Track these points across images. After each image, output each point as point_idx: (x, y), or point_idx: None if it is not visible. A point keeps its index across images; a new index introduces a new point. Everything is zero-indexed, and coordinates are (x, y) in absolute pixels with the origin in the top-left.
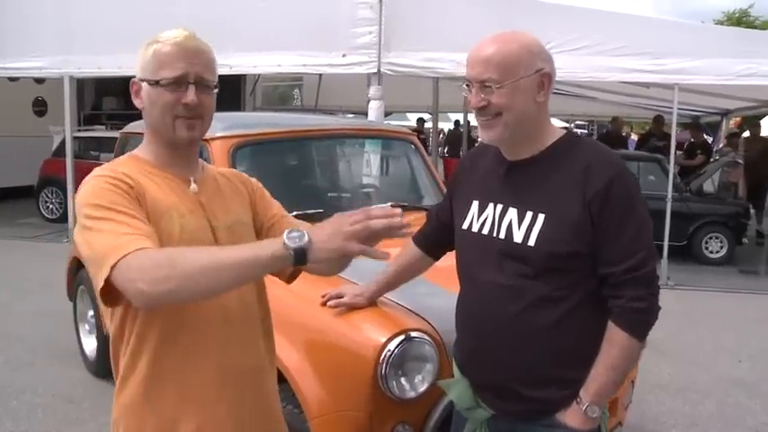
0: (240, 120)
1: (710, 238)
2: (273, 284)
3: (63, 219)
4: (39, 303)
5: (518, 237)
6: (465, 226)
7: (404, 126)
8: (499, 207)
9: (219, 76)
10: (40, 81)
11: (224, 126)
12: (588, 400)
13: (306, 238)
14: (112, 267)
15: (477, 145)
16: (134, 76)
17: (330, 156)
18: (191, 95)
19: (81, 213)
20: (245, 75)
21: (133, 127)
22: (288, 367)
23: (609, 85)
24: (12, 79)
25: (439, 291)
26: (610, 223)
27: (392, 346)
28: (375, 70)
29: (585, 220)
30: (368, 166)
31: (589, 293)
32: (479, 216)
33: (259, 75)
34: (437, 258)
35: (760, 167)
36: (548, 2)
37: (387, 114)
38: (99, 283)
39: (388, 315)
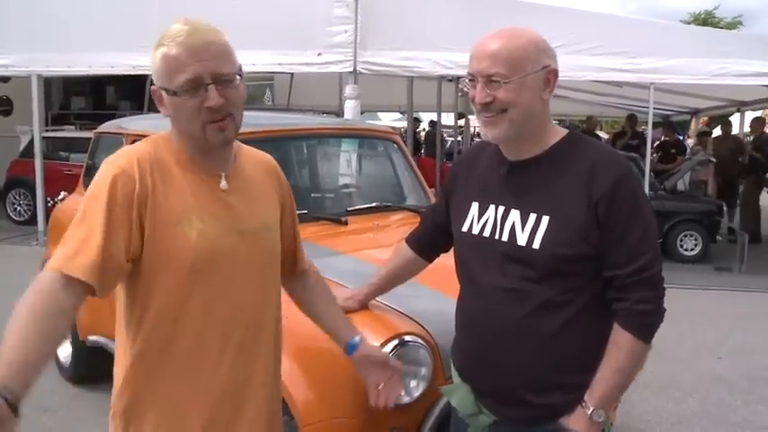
0: None
1: (685, 236)
2: None
3: (32, 221)
4: (7, 308)
5: (522, 239)
6: (465, 228)
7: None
8: (501, 209)
9: None
10: (5, 80)
11: None
12: (594, 405)
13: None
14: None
15: (473, 144)
16: (104, 75)
17: (312, 156)
18: (213, 98)
19: (87, 190)
20: None
21: (107, 127)
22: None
23: (582, 85)
24: None
25: (432, 293)
26: (617, 225)
27: (386, 350)
28: (351, 69)
29: (591, 221)
30: (349, 166)
31: (594, 297)
32: (480, 218)
33: None
34: (431, 260)
35: (730, 166)
36: (523, 1)
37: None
38: (47, 265)
39: (381, 319)
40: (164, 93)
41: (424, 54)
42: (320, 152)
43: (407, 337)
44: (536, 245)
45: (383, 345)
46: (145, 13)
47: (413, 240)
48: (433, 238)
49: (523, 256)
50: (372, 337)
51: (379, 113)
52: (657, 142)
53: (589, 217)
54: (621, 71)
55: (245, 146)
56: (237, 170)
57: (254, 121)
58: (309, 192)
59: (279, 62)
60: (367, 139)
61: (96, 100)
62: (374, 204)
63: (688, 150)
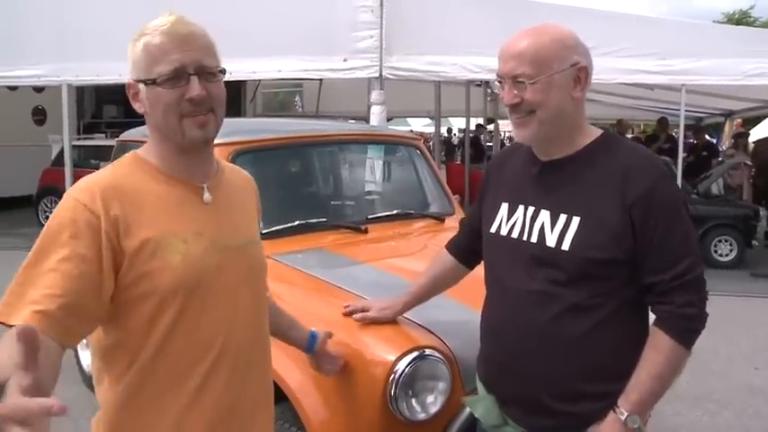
0: (240, 126)
1: (720, 241)
2: (277, 298)
3: None
4: None
5: (551, 240)
6: (493, 229)
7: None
8: (530, 209)
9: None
10: (39, 90)
11: (223, 132)
12: (628, 410)
13: None
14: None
15: (507, 145)
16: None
17: (333, 162)
18: (195, 89)
19: (45, 226)
20: (245, 81)
21: (130, 134)
22: (290, 386)
23: (612, 87)
24: (11, 88)
25: (452, 305)
26: (655, 229)
27: (402, 364)
28: (377, 75)
29: (625, 225)
30: (372, 172)
31: (624, 303)
32: (509, 219)
33: (259, 81)
34: (471, 267)
35: None
36: (549, 3)
37: (388, 119)
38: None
39: (398, 331)
40: (141, 85)
41: (451, 59)
42: (340, 159)
43: (425, 351)
44: (565, 246)
45: (400, 357)
46: None
47: (452, 247)
48: (471, 243)
49: (552, 258)
50: (388, 350)
51: (408, 119)
52: (690, 145)
53: (623, 221)
54: (652, 73)
55: (223, 160)
56: (221, 182)
57: (273, 127)
58: (329, 199)
59: (305, 68)
60: (389, 145)
61: (128, 108)
62: (395, 212)
63: (721, 153)
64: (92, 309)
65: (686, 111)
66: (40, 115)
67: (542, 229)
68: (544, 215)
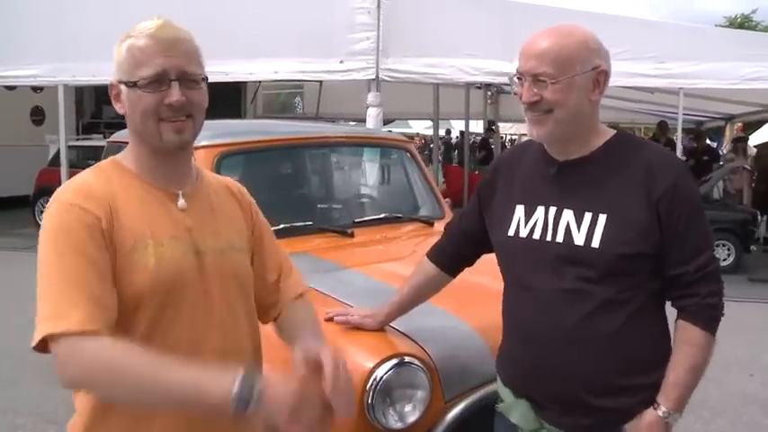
0: (225, 128)
1: (717, 245)
2: None
3: None
4: (31, 318)
5: (579, 239)
6: (511, 232)
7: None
8: (552, 209)
9: (218, 83)
10: (37, 90)
11: (208, 134)
12: (670, 407)
13: (256, 394)
14: (51, 336)
15: (510, 148)
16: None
17: (321, 165)
18: (175, 94)
19: (40, 241)
20: (245, 83)
21: (120, 136)
22: None
23: (612, 91)
24: (9, 88)
25: (436, 312)
26: (679, 222)
27: (380, 371)
28: (373, 76)
29: (652, 220)
30: (361, 175)
31: (650, 295)
32: (527, 221)
33: (260, 82)
34: (455, 275)
35: None
36: (548, 6)
37: (389, 122)
38: (35, 337)
39: (377, 338)
40: (123, 86)
41: (448, 61)
42: (328, 161)
43: (403, 358)
44: (595, 243)
45: (378, 364)
46: None
47: (435, 254)
48: (459, 249)
49: (581, 256)
50: (366, 357)
51: (410, 121)
52: (689, 149)
53: (650, 215)
54: (649, 76)
55: (209, 171)
56: (200, 189)
57: (258, 129)
58: (315, 202)
59: (301, 70)
60: (378, 147)
61: None
62: (383, 215)
63: (721, 157)
64: (115, 298)
65: (686, 114)
66: (38, 115)
67: (568, 228)
68: (567, 214)
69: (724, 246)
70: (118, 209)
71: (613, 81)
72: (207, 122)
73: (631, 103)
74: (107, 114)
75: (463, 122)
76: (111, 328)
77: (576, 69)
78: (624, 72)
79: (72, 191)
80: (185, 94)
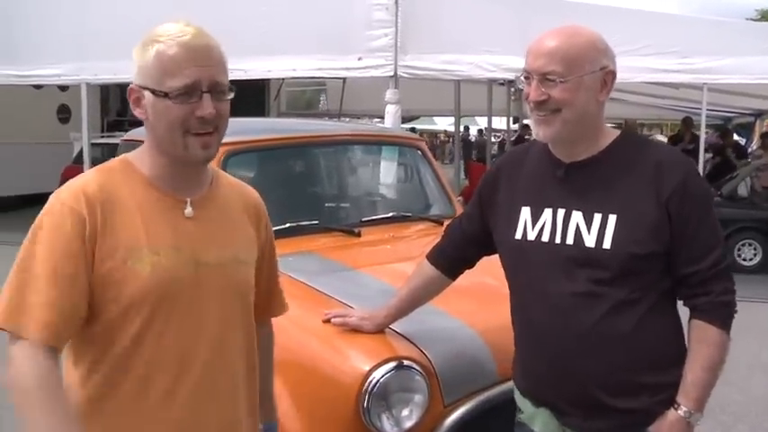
0: (232, 126)
1: (743, 244)
2: None
3: None
4: None
5: (590, 241)
6: (518, 236)
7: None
8: (561, 211)
9: (239, 81)
10: (63, 88)
11: None
12: (691, 407)
13: None
14: (8, 329)
15: (511, 149)
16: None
17: (329, 163)
18: (207, 107)
19: (31, 229)
20: (268, 80)
21: (134, 134)
22: None
23: (636, 86)
24: (36, 87)
25: (435, 312)
26: (689, 221)
27: (377, 375)
28: (392, 73)
29: (663, 218)
30: (370, 173)
31: (662, 293)
32: (534, 223)
33: (283, 80)
34: (455, 278)
35: None
36: (567, 1)
37: (414, 118)
38: None
39: (375, 340)
40: (148, 93)
41: (466, 57)
42: (337, 159)
43: (401, 361)
44: (606, 245)
45: (375, 367)
46: (188, 20)
47: (435, 256)
48: (460, 252)
49: (593, 258)
50: (362, 360)
51: (435, 118)
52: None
53: (660, 215)
54: (673, 72)
55: (227, 174)
56: (211, 197)
57: (267, 127)
58: (322, 201)
59: (319, 67)
60: (389, 145)
61: None
62: (391, 214)
63: (750, 154)
64: (81, 309)
65: (713, 110)
66: (64, 113)
67: (578, 230)
68: (577, 216)
69: (750, 245)
70: (114, 212)
71: (636, 77)
72: None
73: (657, 98)
74: (132, 112)
75: (483, 119)
76: (68, 334)
77: (584, 69)
78: (646, 68)
79: (68, 190)
80: (215, 106)
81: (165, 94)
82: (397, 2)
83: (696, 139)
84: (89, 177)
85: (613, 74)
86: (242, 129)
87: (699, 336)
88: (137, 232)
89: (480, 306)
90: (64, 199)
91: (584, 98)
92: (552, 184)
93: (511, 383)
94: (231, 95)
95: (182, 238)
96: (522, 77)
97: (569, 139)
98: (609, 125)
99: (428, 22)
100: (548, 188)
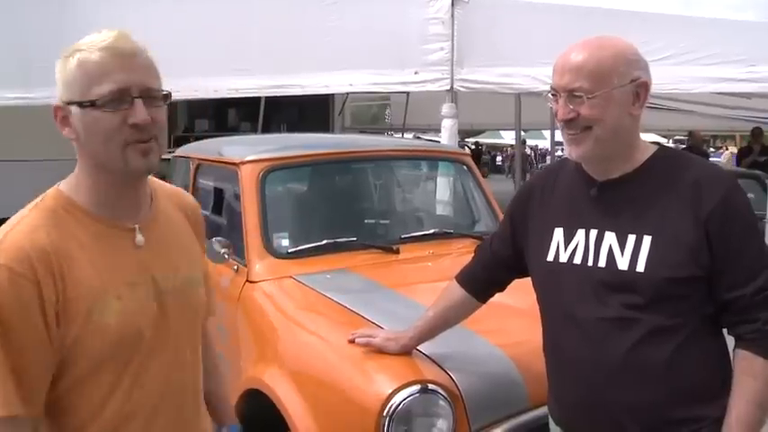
0: (272, 142)
1: None
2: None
3: None
4: None
5: (622, 263)
6: (550, 258)
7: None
8: (593, 232)
9: (303, 96)
10: None
11: (253, 149)
12: None
13: None
14: None
15: (543, 167)
16: (227, 99)
17: (369, 179)
18: (140, 113)
19: None
20: (332, 95)
21: (186, 150)
22: (289, 414)
23: (707, 98)
24: None
25: (466, 335)
26: (731, 243)
27: (399, 398)
28: (448, 87)
29: (701, 240)
30: (412, 189)
31: (703, 320)
32: (567, 245)
33: (347, 94)
34: (484, 301)
35: None
36: (628, 9)
37: (478, 132)
38: None
39: (399, 361)
40: (74, 107)
41: (523, 70)
42: (376, 175)
43: (425, 385)
44: (640, 268)
45: (397, 390)
46: (245, 40)
47: (464, 278)
48: (490, 274)
49: (626, 282)
50: (385, 382)
51: (501, 132)
52: None
53: (698, 236)
54: (739, 81)
55: (161, 182)
56: (155, 216)
57: (307, 143)
58: (361, 218)
59: (375, 82)
60: (432, 160)
61: (219, 122)
62: (432, 231)
63: None
64: (49, 374)
65: None
66: None
67: (610, 252)
68: (610, 237)
69: None
70: (70, 261)
71: (698, 87)
72: (252, 137)
73: (727, 109)
74: (199, 128)
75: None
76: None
77: (612, 83)
78: (710, 77)
79: (11, 249)
80: (149, 112)
81: (92, 103)
82: (453, 15)
83: (766, 150)
84: (30, 225)
85: (646, 85)
86: (282, 145)
87: (744, 368)
88: (95, 279)
89: (512, 327)
90: (11, 265)
91: (615, 113)
92: (585, 204)
93: (544, 409)
94: (167, 102)
95: (138, 271)
96: (550, 95)
97: (602, 157)
98: (676, 137)
99: (484, 36)
100: (580, 208)
